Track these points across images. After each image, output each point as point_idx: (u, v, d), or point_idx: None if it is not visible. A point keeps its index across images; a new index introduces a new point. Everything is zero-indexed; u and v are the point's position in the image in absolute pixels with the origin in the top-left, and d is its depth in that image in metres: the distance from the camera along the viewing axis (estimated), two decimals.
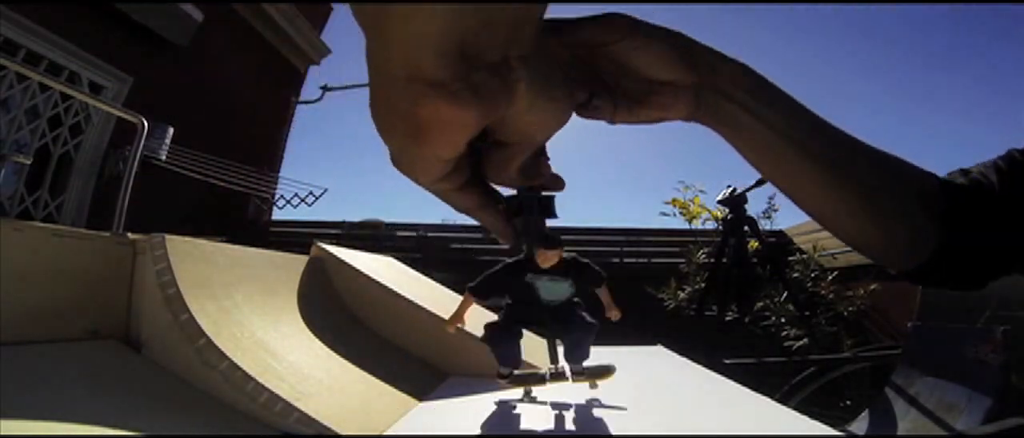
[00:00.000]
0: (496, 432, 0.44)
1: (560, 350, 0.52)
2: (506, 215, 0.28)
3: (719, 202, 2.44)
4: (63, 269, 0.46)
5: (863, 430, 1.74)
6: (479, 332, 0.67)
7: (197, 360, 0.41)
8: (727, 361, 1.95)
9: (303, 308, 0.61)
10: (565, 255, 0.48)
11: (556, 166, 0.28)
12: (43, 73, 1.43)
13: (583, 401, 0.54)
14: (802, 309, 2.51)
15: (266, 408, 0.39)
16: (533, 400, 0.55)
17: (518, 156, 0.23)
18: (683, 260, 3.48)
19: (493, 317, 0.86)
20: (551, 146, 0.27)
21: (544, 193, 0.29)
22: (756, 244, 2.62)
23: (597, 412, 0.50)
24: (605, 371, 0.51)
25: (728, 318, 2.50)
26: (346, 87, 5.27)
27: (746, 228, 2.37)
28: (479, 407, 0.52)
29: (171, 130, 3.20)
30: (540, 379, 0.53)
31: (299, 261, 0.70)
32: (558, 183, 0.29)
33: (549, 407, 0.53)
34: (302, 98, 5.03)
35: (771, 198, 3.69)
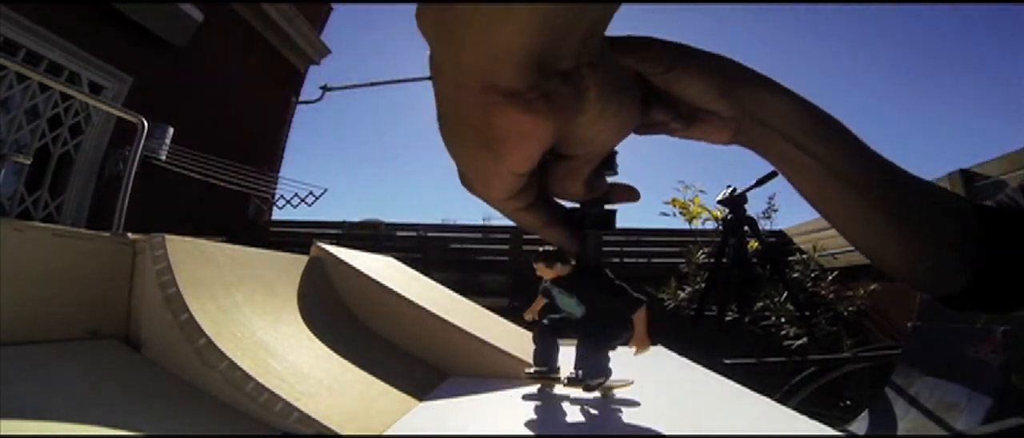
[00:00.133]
0: (496, 432, 0.44)
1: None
2: (570, 229, 0.28)
3: (719, 202, 2.45)
4: (63, 269, 0.46)
5: (863, 430, 1.74)
6: (479, 332, 0.67)
7: (197, 360, 0.41)
8: (727, 361, 1.95)
9: (303, 308, 0.61)
10: (608, 274, 0.46)
11: None
12: (43, 73, 1.43)
13: (583, 401, 0.54)
14: (802, 309, 2.51)
15: (266, 408, 0.39)
16: (538, 397, 0.55)
17: (585, 168, 0.23)
18: (683, 260, 3.49)
19: (494, 317, 0.86)
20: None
21: (606, 206, 0.29)
22: (756, 244, 2.62)
23: (596, 412, 0.50)
24: (617, 384, 0.52)
25: (728, 318, 2.51)
26: (346, 87, 5.28)
27: (746, 228, 2.37)
28: (479, 407, 0.52)
29: (171, 130, 3.21)
30: (557, 381, 0.54)
31: (299, 261, 0.70)
32: (632, 194, 0.28)
33: (549, 407, 0.53)
34: (302, 98, 5.03)
35: (771, 198, 3.69)
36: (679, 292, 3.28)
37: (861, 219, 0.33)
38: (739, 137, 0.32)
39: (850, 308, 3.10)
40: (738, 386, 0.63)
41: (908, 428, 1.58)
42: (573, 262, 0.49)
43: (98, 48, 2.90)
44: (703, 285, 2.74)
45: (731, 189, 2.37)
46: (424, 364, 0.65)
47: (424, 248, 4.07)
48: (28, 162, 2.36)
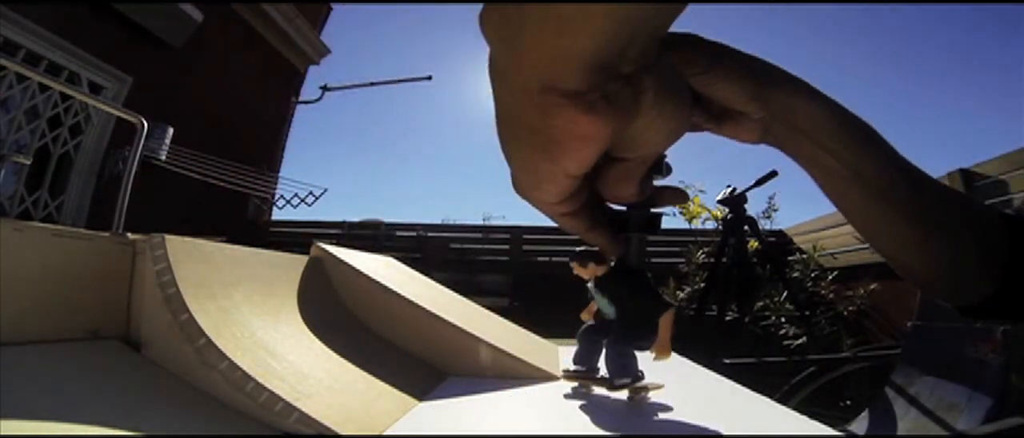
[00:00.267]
0: (496, 432, 0.44)
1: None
2: (613, 233, 0.28)
3: (719, 202, 2.45)
4: (63, 269, 0.46)
5: (863, 430, 1.74)
6: (479, 332, 0.67)
7: (197, 360, 0.41)
8: (727, 361, 1.96)
9: (303, 308, 0.61)
10: (641, 274, 0.46)
11: None
12: (43, 73, 1.43)
13: (583, 401, 0.54)
14: (802, 309, 2.51)
15: (266, 408, 0.39)
16: (537, 397, 0.55)
17: (639, 171, 0.23)
18: (683, 260, 3.49)
19: (494, 317, 0.86)
20: None
21: (652, 210, 0.28)
22: (756, 244, 2.62)
23: (596, 411, 0.50)
24: (646, 387, 0.51)
25: (728, 318, 2.51)
26: (346, 87, 5.28)
27: (746, 228, 2.37)
28: (479, 407, 0.52)
29: (171, 130, 3.21)
30: (594, 381, 0.54)
31: (299, 261, 0.70)
32: (680, 197, 0.29)
33: (549, 407, 0.53)
34: (302, 98, 5.04)
35: (771, 198, 3.69)
36: (678, 292, 3.28)
37: (886, 226, 0.33)
38: (767, 138, 0.32)
39: (850, 308, 3.10)
40: (738, 386, 0.63)
41: (908, 428, 1.58)
42: (610, 262, 0.48)
43: (98, 48, 2.90)
44: (703, 285, 2.74)
45: (731, 189, 2.37)
46: (424, 364, 0.65)
47: (424, 248, 4.07)
48: (28, 162, 2.36)
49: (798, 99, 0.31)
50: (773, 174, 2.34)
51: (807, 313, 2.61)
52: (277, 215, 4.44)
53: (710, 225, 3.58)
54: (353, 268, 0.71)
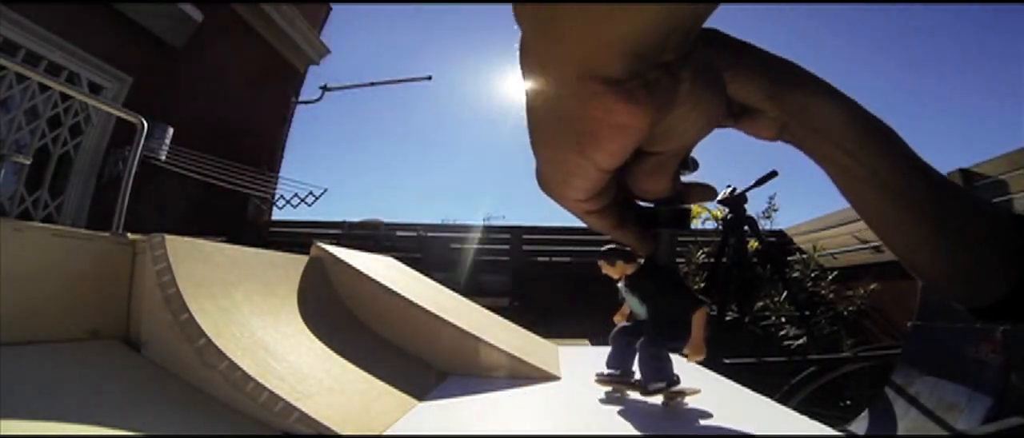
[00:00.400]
0: (496, 432, 0.44)
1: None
2: (641, 230, 0.27)
3: (719, 202, 2.45)
4: (63, 269, 0.46)
5: (863, 430, 1.74)
6: (479, 332, 0.67)
7: (197, 360, 0.41)
8: (727, 361, 1.96)
9: (303, 308, 0.61)
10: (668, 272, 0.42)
11: None
12: (43, 73, 1.43)
13: (584, 401, 0.54)
14: (802, 309, 2.51)
15: (266, 408, 0.39)
16: (537, 397, 0.55)
17: (672, 164, 0.23)
18: (683, 260, 3.48)
19: (494, 317, 0.86)
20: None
21: (681, 206, 0.28)
22: (756, 244, 2.62)
23: (596, 411, 0.50)
24: (682, 392, 0.49)
25: (728, 318, 2.51)
26: (346, 87, 5.28)
27: (746, 228, 2.37)
28: (479, 407, 0.52)
29: (171, 130, 3.21)
30: (628, 386, 0.53)
31: (299, 261, 0.70)
32: (708, 193, 0.28)
33: (549, 407, 0.53)
34: (302, 98, 5.04)
35: (771, 198, 3.69)
36: None
37: (902, 227, 0.33)
38: (784, 135, 0.32)
39: (850, 308, 3.10)
40: (738, 386, 0.63)
41: (908, 428, 1.58)
42: (639, 260, 0.46)
43: (98, 48, 2.90)
44: (703, 285, 2.74)
45: (731, 189, 2.37)
46: (424, 364, 0.65)
47: (424, 248, 4.07)
48: (28, 162, 2.36)
49: (815, 99, 0.31)
50: (773, 174, 2.34)
51: (807, 313, 2.61)
52: (277, 215, 4.44)
53: (710, 225, 3.58)
54: (353, 268, 0.71)
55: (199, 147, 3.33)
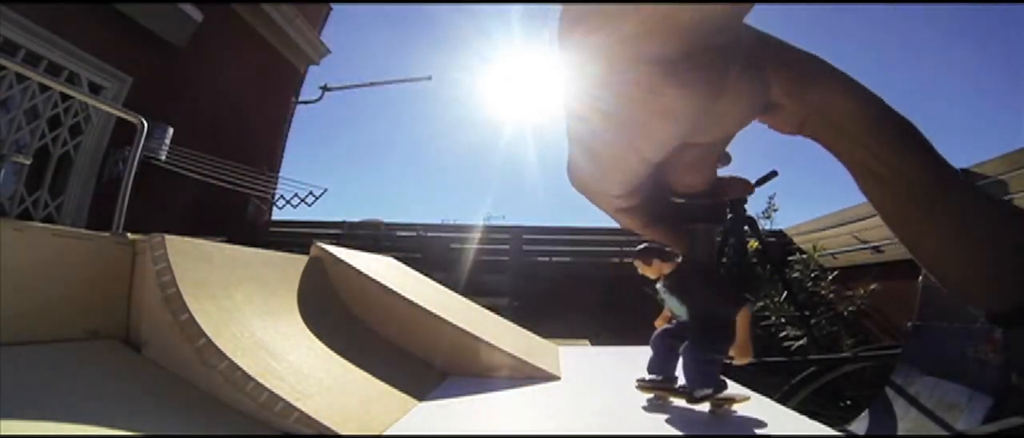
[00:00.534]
0: (496, 432, 0.44)
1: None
2: (674, 226, 0.27)
3: None
4: (63, 269, 0.46)
5: (863, 430, 1.74)
6: (479, 332, 0.67)
7: (197, 360, 0.41)
8: (727, 361, 1.95)
9: (303, 308, 0.61)
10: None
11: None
12: (43, 73, 1.43)
13: (584, 401, 0.54)
14: (802, 309, 2.51)
15: (266, 408, 0.39)
16: (537, 397, 0.55)
17: (714, 156, 0.22)
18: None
19: (494, 317, 0.86)
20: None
21: (717, 200, 0.27)
22: (756, 244, 2.62)
23: (596, 411, 0.50)
24: (731, 399, 0.47)
25: None
26: (346, 87, 5.28)
27: (746, 228, 2.37)
28: (479, 407, 0.52)
29: (171, 130, 3.21)
30: (671, 392, 0.51)
31: (299, 261, 0.70)
32: (745, 186, 0.27)
33: (549, 407, 0.53)
34: (302, 98, 5.03)
35: (771, 198, 3.69)
36: None
37: (923, 227, 0.33)
38: (804, 131, 0.32)
39: (850, 308, 3.10)
40: (739, 386, 0.63)
41: (908, 428, 1.58)
42: (677, 259, 0.44)
43: (98, 48, 2.90)
44: None
45: None
46: (424, 364, 0.65)
47: (424, 248, 4.07)
48: (28, 162, 2.36)
49: (836, 96, 0.30)
50: (773, 174, 2.34)
51: (807, 313, 2.61)
52: (277, 215, 4.44)
53: None
54: (353, 268, 0.71)
55: (199, 147, 3.33)
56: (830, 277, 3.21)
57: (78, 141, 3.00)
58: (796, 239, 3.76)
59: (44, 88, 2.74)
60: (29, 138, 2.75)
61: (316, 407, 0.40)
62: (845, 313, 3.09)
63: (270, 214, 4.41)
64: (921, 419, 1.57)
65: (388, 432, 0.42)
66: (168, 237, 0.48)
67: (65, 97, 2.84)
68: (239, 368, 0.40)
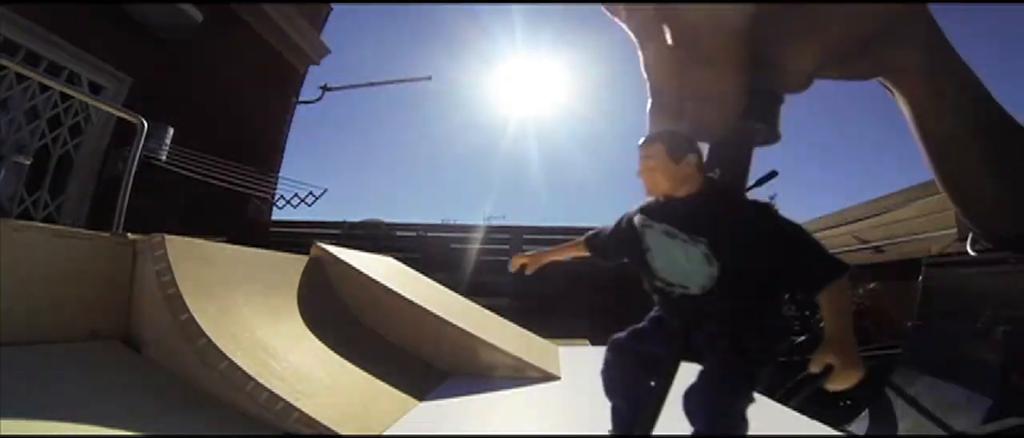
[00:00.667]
0: (496, 432, 0.44)
1: None
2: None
3: None
4: (63, 269, 0.46)
5: (863, 430, 1.74)
6: (479, 332, 0.67)
7: (197, 360, 0.41)
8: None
9: (303, 308, 0.61)
10: None
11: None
12: (43, 73, 1.43)
13: (584, 401, 0.54)
14: (802, 309, 2.51)
15: (266, 408, 0.39)
16: (536, 397, 0.55)
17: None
18: None
19: (494, 317, 0.86)
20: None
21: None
22: None
23: (595, 411, 0.50)
24: None
25: None
26: (346, 87, 5.28)
27: None
28: (479, 407, 0.52)
29: (171, 130, 3.21)
30: None
31: (299, 261, 0.70)
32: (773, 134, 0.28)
33: (549, 407, 0.53)
34: (302, 98, 5.04)
35: (771, 198, 3.69)
36: None
37: (957, 148, 0.34)
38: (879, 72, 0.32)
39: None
40: None
41: (908, 428, 1.58)
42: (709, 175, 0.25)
43: (98, 48, 2.90)
44: None
45: None
46: (424, 364, 0.65)
47: (424, 248, 4.07)
48: (28, 162, 2.36)
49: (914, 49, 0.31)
50: (773, 174, 2.33)
51: (807, 313, 2.61)
52: (277, 215, 4.44)
53: None
54: (353, 268, 0.71)
55: (199, 147, 3.33)
56: None
57: (78, 141, 3.00)
58: None
59: (44, 88, 2.74)
60: (29, 138, 2.75)
61: (316, 407, 0.40)
62: None
63: (270, 214, 4.41)
64: (921, 419, 1.57)
65: (388, 432, 0.42)
66: (168, 237, 0.48)
67: (65, 97, 2.84)
68: (239, 368, 0.40)
